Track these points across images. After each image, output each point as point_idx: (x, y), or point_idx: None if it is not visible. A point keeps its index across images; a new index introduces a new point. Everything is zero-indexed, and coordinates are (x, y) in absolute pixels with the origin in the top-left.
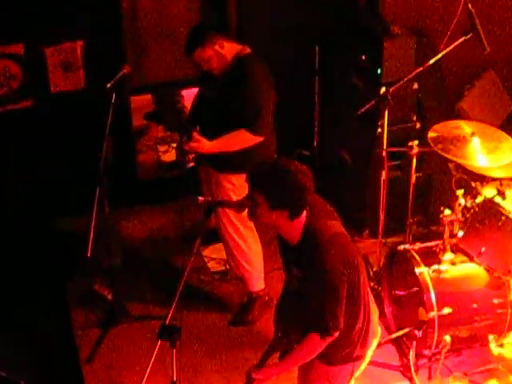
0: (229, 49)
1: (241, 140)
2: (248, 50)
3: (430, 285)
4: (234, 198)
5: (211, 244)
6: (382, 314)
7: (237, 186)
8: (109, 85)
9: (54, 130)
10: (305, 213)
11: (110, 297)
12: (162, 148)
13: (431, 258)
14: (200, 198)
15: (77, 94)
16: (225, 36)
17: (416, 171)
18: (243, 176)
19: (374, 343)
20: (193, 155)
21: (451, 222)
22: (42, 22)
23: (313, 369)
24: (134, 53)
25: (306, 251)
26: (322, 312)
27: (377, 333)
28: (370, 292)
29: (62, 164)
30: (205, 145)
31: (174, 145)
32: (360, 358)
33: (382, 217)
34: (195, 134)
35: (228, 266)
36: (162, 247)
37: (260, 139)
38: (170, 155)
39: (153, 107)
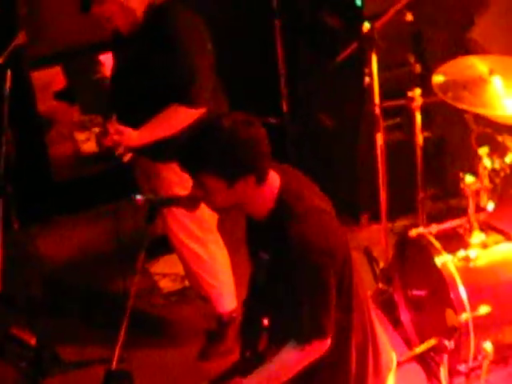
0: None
1: (177, 119)
2: None
3: (458, 278)
4: (182, 192)
5: (160, 256)
6: (397, 324)
7: (183, 176)
8: (1, 59)
9: None
10: (276, 177)
11: (32, 341)
12: (80, 136)
13: (455, 241)
14: (138, 198)
15: None
16: None
17: (422, 130)
18: None
19: (391, 378)
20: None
21: (476, 192)
22: None
23: None
24: (28, 11)
25: (277, 227)
26: (300, 312)
27: (391, 362)
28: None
29: None
30: (131, 136)
31: (97, 130)
32: None
33: (383, 194)
34: (111, 126)
35: (186, 283)
36: (95, 268)
37: (201, 111)
38: (91, 144)
39: (63, 83)
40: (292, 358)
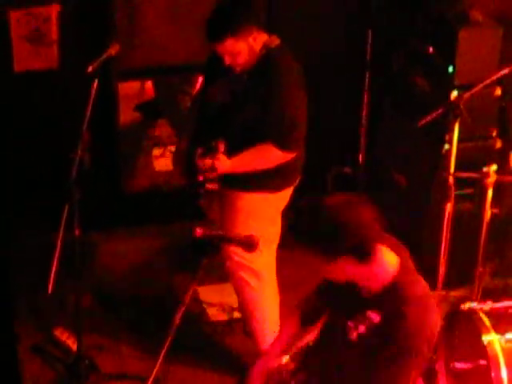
0: (260, 41)
1: (268, 158)
2: (277, 42)
3: (502, 359)
4: (252, 223)
5: (212, 283)
6: None
7: (255, 207)
8: (90, 68)
9: (17, 121)
10: (393, 256)
11: (74, 347)
12: (156, 151)
13: (505, 322)
14: (198, 231)
15: (48, 74)
16: (258, 25)
17: (492, 205)
18: (263, 195)
19: None
20: (209, 174)
21: None
22: None
23: None
24: (125, 25)
25: (393, 302)
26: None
27: None
28: None
29: (23, 165)
30: (225, 163)
31: (173, 149)
32: None
33: (443, 262)
34: (221, 149)
35: (235, 315)
36: (147, 283)
37: (291, 156)
38: (165, 161)
39: (147, 97)
40: None
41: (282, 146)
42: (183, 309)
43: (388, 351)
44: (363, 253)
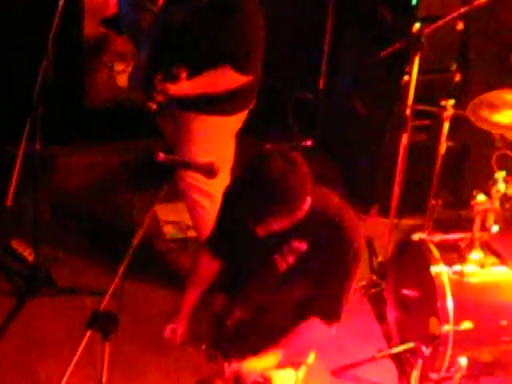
0: None
1: (224, 80)
2: None
3: (448, 289)
4: (206, 146)
5: (168, 202)
6: (382, 319)
7: (210, 130)
8: None
9: None
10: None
11: (30, 258)
12: (118, 66)
13: (454, 254)
14: (160, 155)
15: None
16: None
17: (448, 138)
18: (218, 118)
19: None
20: (160, 96)
21: (484, 212)
22: None
23: None
24: None
25: (317, 223)
26: (336, 296)
27: None
28: None
29: None
30: (182, 85)
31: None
32: None
33: (396, 190)
34: (183, 75)
35: (189, 233)
36: (106, 198)
37: (248, 79)
38: (126, 77)
39: (114, 10)
40: (318, 333)
41: (239, 68)
42: (142, 232)
43: (328, 267)
44: (292, 208)
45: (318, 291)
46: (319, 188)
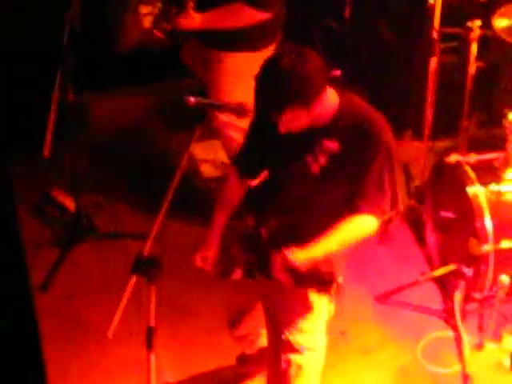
0: None
1: (241, 17)
2: None
3: (486, 209)
4: (237, 83)
5: (203, 140)
6: (422, 243)
7: (240, 66)
8: None
9: None
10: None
11: (71, 206)
12: (144, 9)
13: (489, 174)
14: (191, 99)
15: None
16: None
17: (477, 59)
18: (246, 54)
19: None
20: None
21: None
22: None
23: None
24: None
25: (347, 124)
26: (378, 187)
27: None
28: None
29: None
30: (194, 17)
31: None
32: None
33: (428, 113)
34: (190, 5)
35: (225, 171)
36: (141, 141)
37: (265, 16)
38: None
39: None
40: (369, 226)
41: (252, 2)
42: (179, 175)
43: (361, 165)
44: (305, 97)
45: (354, 189)
46: (348, 92)
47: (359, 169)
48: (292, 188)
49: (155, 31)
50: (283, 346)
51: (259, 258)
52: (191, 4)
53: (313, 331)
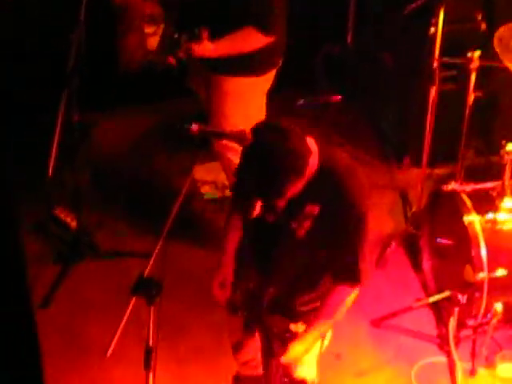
0: None
1: (249, 41)
2: None
3: (481, 238)
4: (239, 107)
5: (204, 162)
6: (418, 269)
7: (241, 91)
8: None
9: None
10: (312, 142)
11: (73, 224)
12: (148, 29)
13: (486, 203)
14: (194, 127)
15: None
16: None
17: (476, 88)
18: (248, 78)
19: None
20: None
21: None
22: None
23: None
24: None
25: (325, 185)
26: (353, 256)
27: None
28: None
29: (22, 46)
30: (206, 47)
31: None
32: None
33: (427, 141)
34: (205, 35)
35: (227, 193)
36: (143, 161)
37: (271, 39)
38: (158, 39)
39: None
40: (344, 296)
41: (262, 28)
42: (181, 199)
43: (336, 230)
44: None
45: (334, 254)
46: (329, 148)
47: (335, 234)
48: (282, 254)
49: (170, 58)
50: (279, 368)
51: (259, 319)
52: (206, 33)
53: (305, 363)
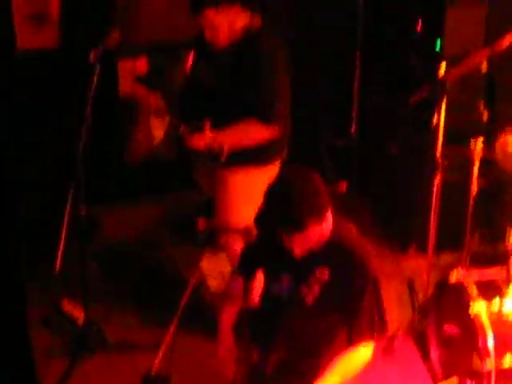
0: (241, 19)
1: (252, 133)
2: (259, 22)
3: (488, 327)
4: (243, 197)
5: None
6: (426, 357)
7: (245, 182)
8: (93, 56)
9: (19, 98)
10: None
11: (81, 317)
12: (155, 122)
13: (492, 290)
14: (201, 223)
15: (50, 54)
16: (241, 3)
17: (480, 176)
18: (251, 169)
19: None
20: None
21: None
22: None
23: None
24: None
25: (335, 251)
26: (359, 324)
27: None
28: None
29: (28, 143)
30: (207, 138)
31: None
32: None
33: (432, 229)
34: (207, 127)
35: None
36: (151, 253)
37: (275, 131)
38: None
39: (146, 68)
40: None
41: (265, 120)
42: (188, 293)
43: (347, 298)
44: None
45: (345, 320)
46: (340, 220)
47: (349, 303)
48: (289, 320)
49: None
50: None
51: None
52: (208, 124)
53: None
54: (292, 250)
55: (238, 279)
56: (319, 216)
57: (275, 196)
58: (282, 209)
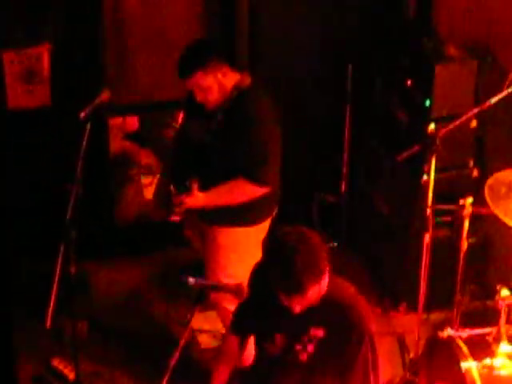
0: (230, 79)
1: (242, 193)
2: (248, 81)
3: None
4: (233, 257)
5: (201, 311)
6: None
7: (235, 241)
8: (83, 114)
9: (10, 157)
10: None
11: (71, 376)
12: (145, 180)
13: (482, 349)
14: (191, 280)
15: (41, 112)
16: (229, 63)
17: (470, 234)
18: (242, 229)
19: None
20: (178, 208)
21: (509, 306)
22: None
23: None
24: (115, 63)
25: (330, 309)
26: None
27: None
28: None
29: (18, 199)
30: (197, 197)
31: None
32: None
33: (422, 287)
34: (195, 187)
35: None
36: (141, 310)
37: (264, 190)
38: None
39: (136, 126)
40: None
41: (254, 179)
42: (178, 352)
43: (344, 356)
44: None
45: (340, 376)
46: (335, 277)
47: (344, 359)
48: (283, 379)
49: (172, 218)
50: None
51: None
52: (195, 184)
53: None
54: (291, 308)
55: (232, 338)
56: (319, 278)
57: (274, 258)
58: (283, 272)
